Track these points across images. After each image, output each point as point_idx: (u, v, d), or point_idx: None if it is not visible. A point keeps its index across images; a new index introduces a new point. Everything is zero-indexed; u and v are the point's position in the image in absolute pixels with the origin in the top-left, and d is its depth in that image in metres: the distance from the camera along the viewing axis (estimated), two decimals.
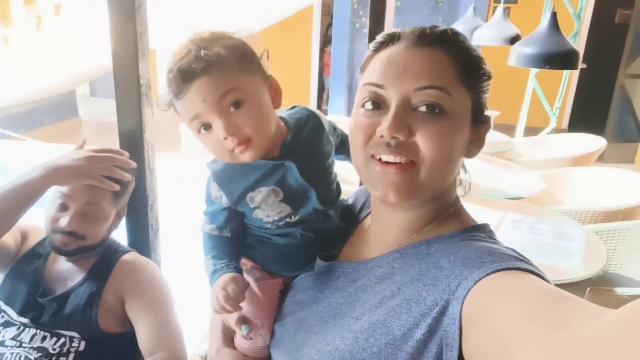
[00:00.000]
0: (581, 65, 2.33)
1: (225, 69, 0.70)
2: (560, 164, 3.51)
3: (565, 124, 6.30)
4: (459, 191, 0.72)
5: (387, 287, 0.64)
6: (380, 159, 0.63)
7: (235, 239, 0.80)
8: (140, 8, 1.35)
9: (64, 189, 1.28)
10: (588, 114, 5.95)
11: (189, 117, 0.72)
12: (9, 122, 5.52)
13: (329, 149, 0.82)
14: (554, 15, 2.12)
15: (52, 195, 1.34)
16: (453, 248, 0.62)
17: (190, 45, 0.71)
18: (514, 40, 3.29)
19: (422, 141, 0.61)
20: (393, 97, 0.63)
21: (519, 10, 5.87)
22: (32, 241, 1.41)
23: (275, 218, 0.76)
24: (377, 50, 0.68)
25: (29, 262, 1.37)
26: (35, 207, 1.21)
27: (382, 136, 0.63)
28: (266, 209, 0.75)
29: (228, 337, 0.80)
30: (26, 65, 5.14)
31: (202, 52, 0.69)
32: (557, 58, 2.05)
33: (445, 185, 0.68)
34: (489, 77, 0.68)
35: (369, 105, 0.65)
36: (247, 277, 0.80)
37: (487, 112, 0.69)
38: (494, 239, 0.66)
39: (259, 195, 0.74)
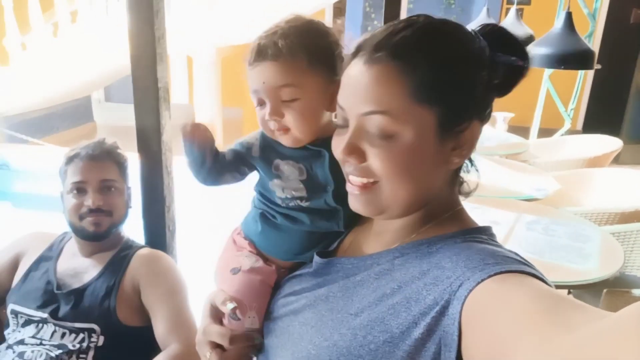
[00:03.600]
0: (596, 65, 2.31)
1: (294, 64, 0.73)
2: (575, 165, 3.47)
3: (579, 125, 6.23)
4: (463, 190, 0.71)
5: (386, 283, 0.64)
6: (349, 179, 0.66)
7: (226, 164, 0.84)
8: (159, 13, 1.37)
9: (75, 177, 1.37)
10: (603, 115, 5.89)
11: (250, 88, 0.77)
12: (27, 127, 5.61)
13: None
14: (569, 15, 2.11)
15: (64, 193, 1.39)
16: (455, 249, 0.62)
17: (280, 27, 0.75)
18: (527, 41, 3.27)
19: (374, 163, 0.62)
20: (351, 120, 0.64)
21: (532, 11, 5.83)
22: (35, 252, 1.46)
23: (289, 196, 0.78)
24: (348, 62, 0.66)
25: (38, 267, 1.42)
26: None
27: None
28: (285, 182, 0.78)
29: (216, 317, 0.80)
30: (43, 71, 5.22)
31: (281, 41, 0.72)
32: (572, 58, 2.04)
33: (421, 195, 0.65)
34: (469, 78, 0.61)
35: (339, 123, 0.66)
36: (243, 261, 0.82)
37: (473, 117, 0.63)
38: (496, 242, 0.65)
39: (285, 166, 0.78)
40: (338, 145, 0.66)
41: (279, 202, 0.80)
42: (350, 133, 0.63)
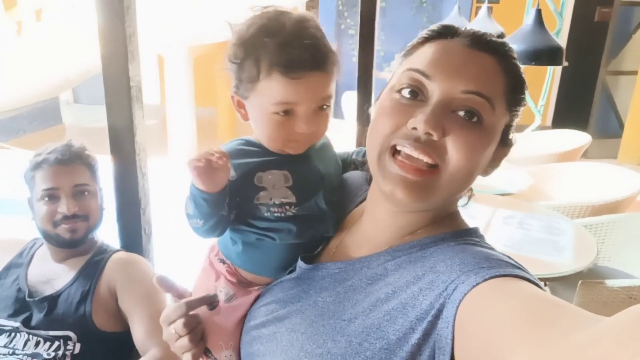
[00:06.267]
0: (564, 62, 2.39)
1: (335, 74, 0.73)
2: (546, 160, 3.55)
3: (549, 121, 6.38)
4: (460, 201, 0.71)
5: (380, 288, 0.62)
6: (400, 153, 0.61)
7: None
8: (129, 9, 1.33)
9: (45, 184, 1.32)
10: (571, 111, 6.04)
11: (277, 99, 0.70)
12: None
13: (338, 165, 0.85)
14: (539, 12, 2.15)
15: (33, 200, 1.34)
16: (449, 252, 0.61)
17: (310, 32, 0.70)
18: (498, 38, 3.33)
19: (453, 146, 0.59)
20: (436, 92, 0.60)
21: (501, 9, 5.93)
22: (4, 260, 1.41)
23: (277, 202, 0.73)
24: (429, 39, 0.65)
25: (8, 274, 1.37)
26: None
27: (414, 128, 0.60)
28: (272, 192, 0.73)
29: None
30: (8, 72, 5.05)
31: (326, 50, 0.70)
32: (542, 54, 2.09)
33: (457, 196, 0.67)
34: (525, 104, 0.66)
35: (406, 93, 0.62)
36: (220, 295, 0.77)
37: (512, 137, 0.67)
38: (488, 244, 0.65)
39: (269, 176, 0.73)
40: (402, 114, 0.61)
41: (267, 214, 0.74)
42: (435, 105, 0.60)
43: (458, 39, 0.63)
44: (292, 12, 0.74)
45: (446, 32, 0.64)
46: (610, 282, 1.84)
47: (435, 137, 0.59)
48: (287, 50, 0.68)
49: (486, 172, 0.67)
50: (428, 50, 0.63)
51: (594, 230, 2.37)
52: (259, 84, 0.71)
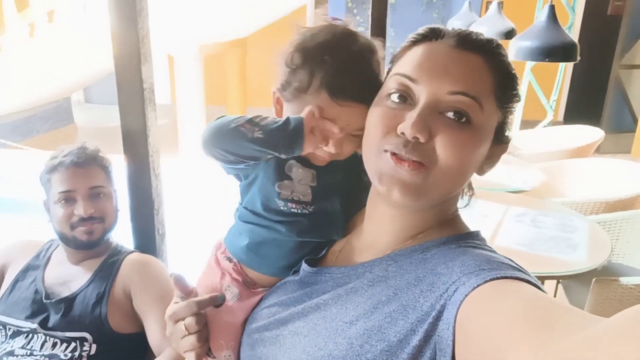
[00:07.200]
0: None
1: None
2: (559, 156, 3.51)
3: (561, 116, 6.32)
4: (460, 203, 0.71)
5: (381, 290, 0.63)
6: (394, 154, 0.61)
7: None
8: (142, 12, 1.34)
9: (62, 186, 1.33)
10: (584, 106, 5.98)
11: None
12: (5, 130, 5.50)
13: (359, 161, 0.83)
14: (552, 8, 2.13)
15: (49, 202, 1.36)
16: (450, 255, 0.61)
17: (377, 60, 0.71)
18: (509, 34, 3.31)
19: (441, 147, 0.60)
20: (422, 95, 0.61)
21: (511, 4, 5.88)
22: (21, 262, 1.43)
23: (295, 199, 0.73)
24: (416, 42, 0.66)
25: (25, 276, 1.39)
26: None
27: (402, 133, 0.60)
28: (295, 186, 0.74)
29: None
30: (20, 73, 5.11)
31: (376, 85, 0.69)
32: (556, 51, 2.07)
33: (451, 195, 0.67)
34: (519, 100, 0.66)
35: (395, 98, 0.63)
36: (225, 294, 0.78)
37: (508, 134, 0.67)
38: (489, 247, 0.65)
39: (300, 169, 0.74)
40: (391, 118, 0.62)
41: (281, 206, 0.74)
42: (422, 108, 0.60)
43: (443, 41, 0.63)
44: (361, 35, 0.73)
45: (431, 35, 0.65)
46: (624, 280, 1.82)
47: (422, 139, 0.59)
48: (342, 77, 0.68)
49: (482, 170, 0.67)
50: (414, 54, 0.64)
51: (608, 227, 2.35)
52: (305, 96, 0.71)
